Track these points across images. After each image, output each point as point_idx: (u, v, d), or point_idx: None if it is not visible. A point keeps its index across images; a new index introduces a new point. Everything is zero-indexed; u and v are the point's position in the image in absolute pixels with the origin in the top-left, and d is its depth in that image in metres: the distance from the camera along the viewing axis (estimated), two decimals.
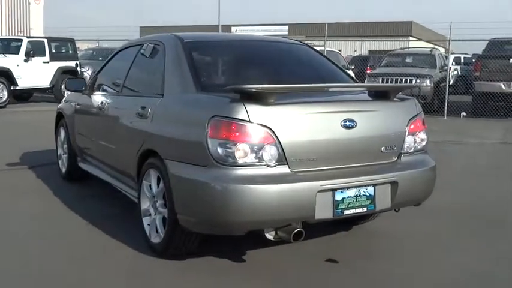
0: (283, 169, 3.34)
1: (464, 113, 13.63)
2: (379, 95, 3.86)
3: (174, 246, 3.68)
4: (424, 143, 3.91)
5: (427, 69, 14.46)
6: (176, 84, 3.87)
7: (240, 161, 3.26)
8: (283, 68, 4.47)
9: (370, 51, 28.39)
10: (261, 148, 3.28)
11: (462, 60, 23.10)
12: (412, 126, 3.83)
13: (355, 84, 5.01)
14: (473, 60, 17.85)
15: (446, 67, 15.22)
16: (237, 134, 3.26)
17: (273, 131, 3.30)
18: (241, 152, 3.26)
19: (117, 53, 5.28)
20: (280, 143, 3.31)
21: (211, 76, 4.21)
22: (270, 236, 3.49)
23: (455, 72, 21.30)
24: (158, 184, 3.80)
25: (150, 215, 3.94)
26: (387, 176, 3.60)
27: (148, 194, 3.94)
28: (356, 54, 26.71)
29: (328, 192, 3.39)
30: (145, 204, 3.98)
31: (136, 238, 4.02)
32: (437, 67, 14.89)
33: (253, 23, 38.36)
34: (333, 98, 3.80)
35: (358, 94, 4.07)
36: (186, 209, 3.47)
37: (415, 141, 3.85)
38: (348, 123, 3.50)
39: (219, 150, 3.27)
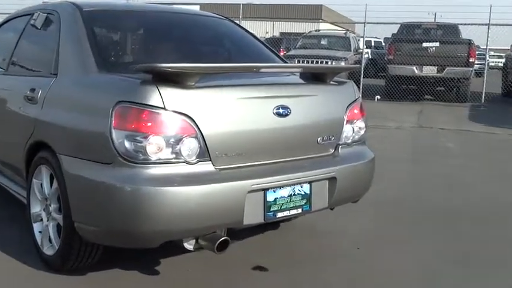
0: (206, 166, 2.77)
1: (378, 96, 13.64)
2: (315, 77, 3.36)
3: (71, 260, 3.02)
4: (362, 132, 3.48)
5: (342, 51, 14.35)
6: (73, 62, 3.16)
7: (153, 158, 2.65)
8: (203, 45, 3.87)
9: (281, 33, 28.22)
10: (178, 141, 2.69)
11: (372, 44, 23.41)
12: (350, 114, 3.38)
13: (291, 65, 4.47)
14: (385, 44, 18.06)
15: (360, 50, 15.19)
16: (149, 124, 2.64)
17: (193, 120, 2.71)
18: (154, 146, 2.65)
19: (2, 24, 4.43)
20: (202, 135, 2.74)
21: (117, 53, 3.51)
22: (189, 245, 2.92)
23: (366, 56, 21.55)
24: (51, 184, 3.10)
25: (41, 220, 3.24)
26: (325, 172, 3.13)
27: (40, 195, 3.24)
28: (268, 36, 26.42)
29: (258, 192, 2.87)
30: (35, 208, 3.28)
31: (29, 249, 3.31)
32: (352, 50, 14.83)
33: (162, 1, 37.03)
34: (264, 80, 3.26)
35: (289, 76, 3.56)
36: (86, 216, 2.82)
37: (353, 131, 3.41)
38: (281, 110, 2.98)
39: (127, 144, 2.65)
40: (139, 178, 2.63)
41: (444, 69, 13.04)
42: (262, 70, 3.02)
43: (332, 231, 3.98)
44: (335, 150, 3.31)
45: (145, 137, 2.63)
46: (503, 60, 29.72)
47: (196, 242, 2.90)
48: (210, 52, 3.79)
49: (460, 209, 4.66)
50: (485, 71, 13.92)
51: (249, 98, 2.92)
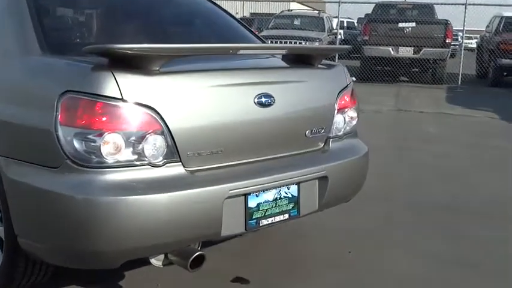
0: (175, 169, 2.29)
1: (353, 78, 13.21)
2: (300, 60, 2.90)
3: (17, 279, 2.52)
4: (354, 123, 3.04)
5: (316, 32, 13.91)
6: (12, 42, 2.61)
7: (110, 160, 2.16)
8: (171, 24, 3.35)
9: (252, 14, 27.58)
10: (140, 139, 2.21)
11: (345, 25, 22.99)
12: (341, 102, 2.93)
13: (274, 45, 3.97)
14: (358, 24, 17.68)
15: (334, 30, 14.77)
16: (104, 118, 2.15)
17: (157, 113, 2.23)
18: (111, 146, 2.16)
19: None
20: (170, 131, 2.26)
21: (66, 32, 2.95)
22: (157, 261, 2.45)
23: (339, 37, 21.15)
24: None
25: None
26: (315, 170, 2.68)
27: None
28: (238, 16, 25.78)
29: (238, 198, 2.41)
30: None
31: None
32: (326, 30, 14.40)
33: None
34: (242, 64, 2.79)
35: (271, 59, 3.09)
36: (30, 231, 2.32)
37: (345, 121, 2.96)
38: (263, 99, 2.52)
39: (76, 144, 2.15)
40: (92, 186, 2.14)
41: (421, 50, 12.70)
42: (240, 52, 2.53)
43: (320, 233, 3.55)
44: (325, 144, 2.86)
45: (100, 135, 2.14)
46: (474, 41, 29.81)
47: (166, 257, 2.44)
48: (179, 32, 3.28)
49: (455, 203, 4.28)
50: (462, 52, 13.64)
51: (225, 86, 2.44)
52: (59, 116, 2.17)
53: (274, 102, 2.55)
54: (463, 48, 14.04)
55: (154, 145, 2.24)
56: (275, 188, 2.53)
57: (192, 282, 2.79)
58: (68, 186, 2.15)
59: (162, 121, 2.24)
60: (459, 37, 20.75)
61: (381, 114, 8.82)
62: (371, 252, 3.29)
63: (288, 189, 2.59)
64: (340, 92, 2.92)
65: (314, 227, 3.54)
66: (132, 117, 2.19)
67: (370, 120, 7.87)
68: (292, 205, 2.62)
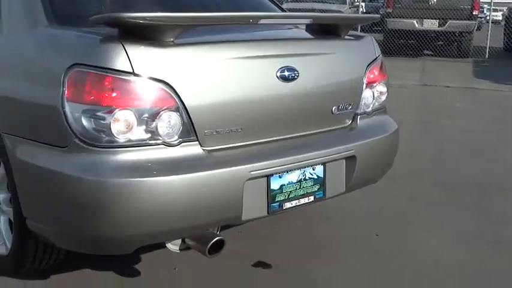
0: (192, 149, 2.13)
1: None
2: (326, 31, 2.69)
3: (28, 262, 2.40)
4: (383, 98, 2.84)
5: (337, 4, 13.55)
6: (17, 13, 2.44)
7: (121, 139, 2.00)
8: None
9: None
10: (154, 116, 2.04)
11: None
12: (370, 76, 2.72)
13: (297, 14, 3.74)
14: None
15: (356, 3, 14.38)
16: (114, 94, 1.99)
17: (172, 88, 2.06)
18: (122, 123, 1.99)
19: None
20: (185, 107, 2.09)
21: (73, 1, 2.78)
22: (173, 246, 2.33)
23: (361, 9, 20.68)
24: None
25: None
26: (342, 149, 2.49)
27: None
28: None
29: (260, 179, 2.24)
30: None
31: None
32: (347, 2, 14.03)
33: None
34: (264, 35, 2.59)
35: (294, 30, 2.88)
36: (38, 214, 2.19)
37: (374, 96, 2.76)
38: (286, 73, 2.33)
39: (85, 121, 1.99)
40: (103, 167, 1.98)
41: (446, 23, 12.27)
42: (262, 21, 2.33)
43: (344, 214, 3.37)
44: (353, 121, 2.67)
45: (109, 112, 1.98)
46: (499, 13, 28.98)
47: (183, 241, 2.29)
48: (195, 0, 3.08)
49: (483, 179, 4.08)
50: (490, 24, 13.17)
51: (245, 58, 2.25)
52: (66, 92, 2.01)
53: (298, 76, 2.36)
54: (490, 20, 13.55)
55: (168, 123, 2.07)
56: (299, 168, 2.35)
57: (211, 266, 2.64)
58: (76, 166, 1.99)
59: (177, 97, 2.07)
60: (485, 9, 20.16)
61: (406, 89, 8.54)
62: (398, 234, 3.11)
63: (313, 169, 2.41)
64: (368, 65, 2.71)
65: (339, 208, 3.36)
66: (145, 93, 2.02)
67: (394, 95, 7.58)
68: (317, 187, 2.44)
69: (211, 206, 2.10)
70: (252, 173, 2.17)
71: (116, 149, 2.00)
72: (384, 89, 2.81)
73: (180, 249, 2.31)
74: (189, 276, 2.59)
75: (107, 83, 1.98)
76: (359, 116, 2.68)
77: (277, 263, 2.72)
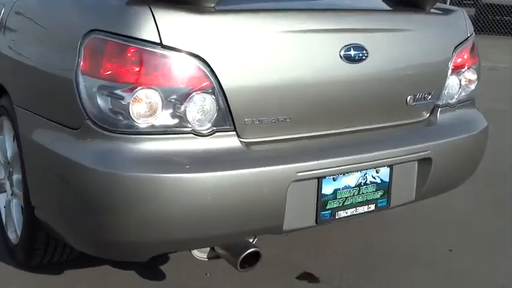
0: (228, 140, 1.75)
1: None
2: (406, 3, 2.20)
3: (38, 255, 2.13)
4: (472, 88, 2.33)
5: None
6: None
7: (142, 125, 1.65)
8: None
9: None
10: (183, 98, 1.67)
11: None
12: (458, 59, 2.22)
13: None
14: None
15: None
16: (136, 69, 1.63)
17: (208, 65, 1.68)
18: (144, 105, 1.64)
19: None
20: (223, 89, 1.70)
21: None
22: (201, 254, 1.97)
23: None
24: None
25: (5, 191, 2.37)
26: (415, 149, 2.03)
27: (2, 157, 2.36)
28: None
29: (309, 181, 1.83)
30: None
31: None
32: None
33: None
34: (326, 3, 2.15)
35: None
36: (46, 205, 1.90)
37: (460, 85, 2.26)
38: (352, 52, 1.89)
39: (100, 100, 1.65)
40: (118, 157, 1.64)
41: None
42: None
43: (408, 224, 2.89)
44: (431, 115, 2.19)
45: (130, 90, 1.63)
46: None
47: (212, 249, 1.94)
48: None
49: None
50: None
51: (301, 32, 1.82)
52: (81, 63, 1.67)
53: (367, 56, 1.91)
54: None
55: (201, 107, 1.70)
56: (359, 170, 1.92)
57: (248, 274, 2.28)
58: (86, 154, 1.67)
59: (213, 76, 1.69)
60: None
61: (497, 72, 7.74)
62: (474, 252, 2.61)
63: (377, 172, 1.97)
64: (457, 46, 2.21)
65: (401, 216, 2.89)
66: (174, 69, 1.66)
67: (482, 80, 6.88)
68: (380, 193, 2.01)
69: (247, 212, 1.73)
70: (299, 174, 1.77)
71: (135, 136, 1.65)
72: (474, 76, 2.30)
73: (208, 258, 1.97)
74: (221, 284, 2.24)
75: (129, 54, 1.63)
76: (440, 109, 2.19)
77: (325, 277, 2.32)
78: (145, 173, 1.62)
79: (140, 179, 1.61)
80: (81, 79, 1.67)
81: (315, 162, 1.80)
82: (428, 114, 2.18)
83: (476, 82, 2.32)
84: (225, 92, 1.71)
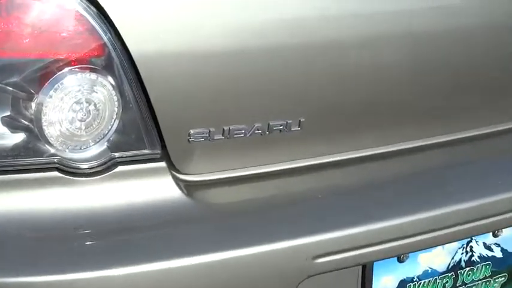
0: (149, 182, 0.75)
1: None
2: None
3: None
4: None
5: None
6: None
7: None
8: None
9: None
10: (36, 84, 0.69)
11: None
12: None
13: None
14: None
15: None
16: None
17: (103, 15, 0.67)
18: None
19: None
20: (135, 65, 0.69)
21: None
22: None
23: None
24: None
25: None
26: None
27: None
28: None
29: (346, 272, 0.80)
30: None
31: None
32: None
33: None
34: None
35: None
36: None
37: None
38: None
39: None
40: None
41: None
42: None
43: None
44: None
45: None
46: None
47: None
48: None
49: None
50: None
51: None
52: None
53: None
54: None
55: (80, 106, 0.72)
56: (456, 237, 0.88)
57: None
58: None
59: (113, 36, 0.69)
60: None
61: None
62: None
63: (495, 237, 0.93)
64: None
65: None
66: (32, 26, 0.68)
67: None
68: (502, 278, 0.96)
69: None
70: (320, 261, 0.75)
71: None
72: None
73: None
74: None
75: None
76: None
77: None
78: None
79: None
80: None
81: (357, 230, 0.77)
82: None
83: None
84: (141, 69, 0.71)
